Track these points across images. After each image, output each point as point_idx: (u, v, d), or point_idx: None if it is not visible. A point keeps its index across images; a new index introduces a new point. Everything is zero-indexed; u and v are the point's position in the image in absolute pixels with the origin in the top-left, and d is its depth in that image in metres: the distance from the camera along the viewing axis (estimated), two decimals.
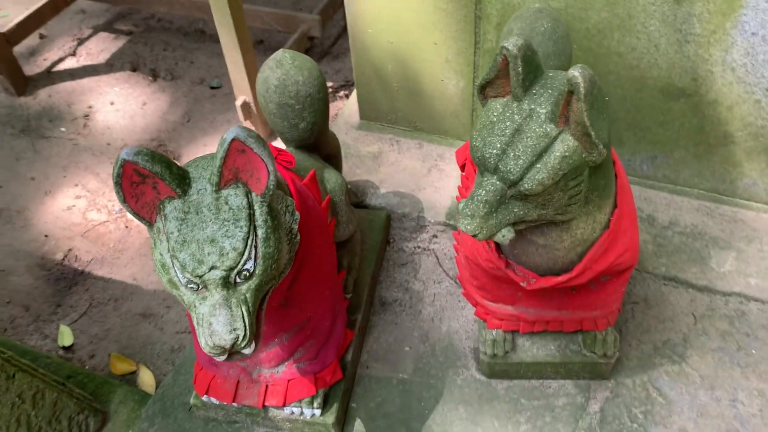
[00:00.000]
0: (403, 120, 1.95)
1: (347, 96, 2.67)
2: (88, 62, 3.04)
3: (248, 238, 0.90)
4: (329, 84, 2.79)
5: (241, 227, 0.89)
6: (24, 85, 2.88)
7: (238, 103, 2.38)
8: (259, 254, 0.91)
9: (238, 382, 1.27)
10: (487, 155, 0.88)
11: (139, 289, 2.06)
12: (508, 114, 0.88)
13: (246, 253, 0.89)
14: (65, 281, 2.11)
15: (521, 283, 1.11)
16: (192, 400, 1.33)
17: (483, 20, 1.59)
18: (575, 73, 0.79)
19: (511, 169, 0.86)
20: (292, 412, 1.27)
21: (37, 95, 2.87)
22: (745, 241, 1.59)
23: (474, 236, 0.90)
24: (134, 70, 2.96)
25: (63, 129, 2.69)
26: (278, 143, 1.47)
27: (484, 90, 0.93)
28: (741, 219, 1.64)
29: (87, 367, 1.83)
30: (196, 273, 0.88)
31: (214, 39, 2.98)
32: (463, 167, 1.29)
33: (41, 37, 3.19)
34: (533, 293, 1.24)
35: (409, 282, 1.60)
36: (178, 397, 1.41)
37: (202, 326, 0.89)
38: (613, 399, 1.34)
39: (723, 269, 1.54)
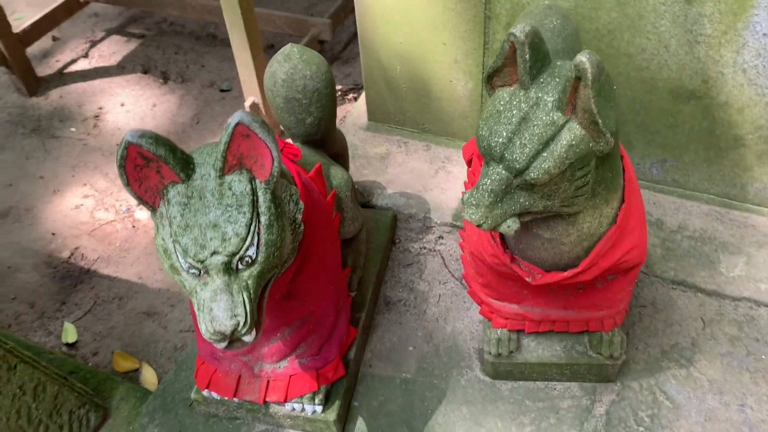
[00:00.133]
0: (411, 121, 1.95)
1: (356, 99, 2.67)
2: (100, 64, 3.07)
3: (251, 224, 0.89)
4: (338, 87, 2.80)
5: (244, 213, 0.89)
6: (36, 85, 2.90)
7: (247, 103, 2.39)
8: (262, 241, 0.90)
9: (240, 376, 1.25)
10: (493, 144, 0.88)
11: (144, 287, 2.06)
12: (515, 102, 0.87)
13: (248, 239, 0.89)
14: (71, 279, 2.11)
15: (526, 278, 1.09)
16: (193, 395, 1.32)
17: (492, 20, 1.58)
18: (582, 58, 0.78)
19: (517, 158, 0.85)
20: (293, 408, 1.26)
21: (49, 96, 2.89)
22: (755, 247, 1.57)
23: (478, 226, 0.89)
24: (145, 72, 2.98)
25: (73, 129, 2.71)
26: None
27: (492, 79, 0.92)
28: (752, 224, 1.62)
29: (90, 365, 1.82)
30: (198, 258, 0.87)
31: (225, 43, 2.99)
32: (469, 162, 1.28)
33: (54, 39, 3.22)
34: (539, 291, 1.22)
35: (415, 282, 1.59)
36: (179, 393, 1.40)
37: (203, 312, 0.88)
38: (619, 402, 1.32)
39: (733, 274, 1.52)
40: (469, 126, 1.86)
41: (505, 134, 0.86)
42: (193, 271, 0.89)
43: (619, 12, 1.44)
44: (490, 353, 1.31)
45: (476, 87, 1.75)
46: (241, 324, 0.88)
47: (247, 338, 0.90)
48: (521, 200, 0.90)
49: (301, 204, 1.01)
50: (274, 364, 1.24)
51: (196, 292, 0.90)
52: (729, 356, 1.38)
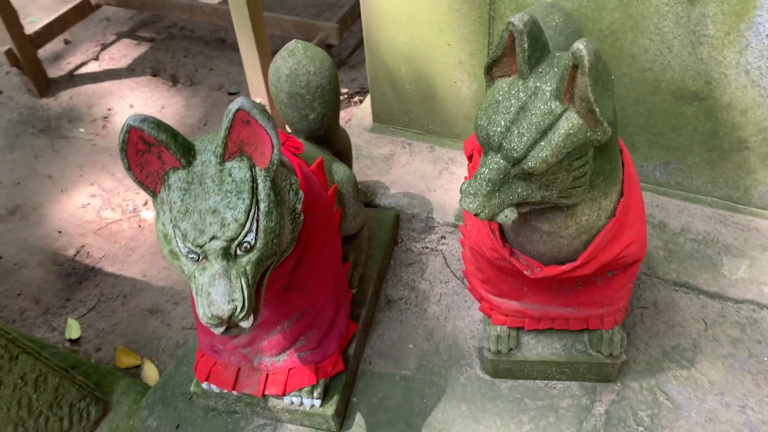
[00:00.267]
0: (416, 123, 1.96)
1: (361, 101, 2.69)
2: (110, 67, 3.10)
3: (250, 210, 0.90)
4: (344, 90, 2.81)
5: (244, 199, 0.90)
6: (46, 86, 2.94)
7: None
8: (261, 227, 0.91)
9: (239, 369, 1.26)
10: (491, 133, 0.88)
11: (148, 285, 2.07)
12: (513, 92, 0.88)
13: (247, 225, 0.89)
14: (76, 276, 2.12)
15: (525, 272, 1.09)
16: (192, 388, 1.32)
17: (497, 21, 1.59)
18: (579, 45, 0.78)
19: (515, 147, 0.86)
20: (292, 402, 1.26)
21: (59, 97, 2.92)
22: (759, 250, 1.56)
23: (476, 215, 0.90)
24: (155, 75, 3.01)
25: (82, 130, 2.73)
26: None
27: (491, 70, 0.93)
28: (755, 228, 1.62)
29: (92, 360, 1.83)
30: (197, 242, 0.88)
31: (234, 48, 3.02)
32: (470, 157, 1.28)
33: (66, 42, 3.26)
34: (538, 288, 1.22)
35: (416, 281, 1.59)
36: (179, 386, 1.40)
37: (201, 296, 0.89)
38: (619, 402, 1.31)
39: (735, 276, 1.51)
40: (473, 128, 1.86)
41: (503, 123, 0.87)
42: (192, 256, 0.90)
43: (622, 12, 1.44)
44: (489, 350, 1.31)
45: (480, 88, 1.75)
46: (239, 309, 0.88)
47: (245, 324, 0.91)
48: (519, 190, 0.90)
49: (301, 194, 1.02)
50: (274, 358, 1.24)
51: (194, 277, 0.90)
52: (731, 358, 1.37)
